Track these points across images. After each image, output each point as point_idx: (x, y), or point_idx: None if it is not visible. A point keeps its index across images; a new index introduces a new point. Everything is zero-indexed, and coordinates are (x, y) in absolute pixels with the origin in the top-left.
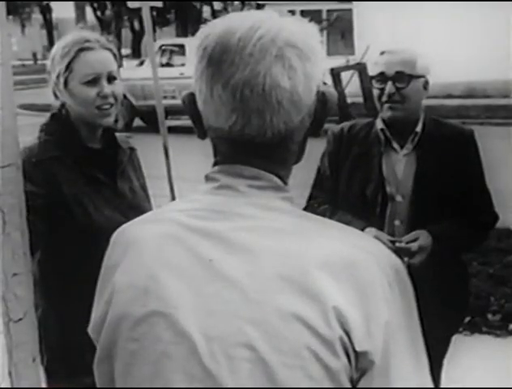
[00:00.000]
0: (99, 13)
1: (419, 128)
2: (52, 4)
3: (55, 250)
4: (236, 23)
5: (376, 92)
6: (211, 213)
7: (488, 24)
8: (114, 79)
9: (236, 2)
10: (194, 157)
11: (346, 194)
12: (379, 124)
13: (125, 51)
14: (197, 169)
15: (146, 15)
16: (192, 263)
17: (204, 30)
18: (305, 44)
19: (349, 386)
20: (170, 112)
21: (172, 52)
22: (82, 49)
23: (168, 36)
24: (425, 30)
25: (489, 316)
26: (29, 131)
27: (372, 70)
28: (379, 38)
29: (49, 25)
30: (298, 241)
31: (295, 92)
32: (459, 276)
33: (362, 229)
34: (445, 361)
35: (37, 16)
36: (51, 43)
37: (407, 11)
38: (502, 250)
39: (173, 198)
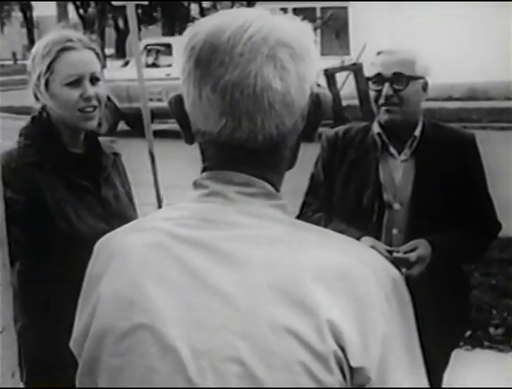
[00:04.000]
0: (81, 11)
1: (417, 132)
2: (32, 2)
3: (35, 261)
4: (226, 21)
5: (372, 94)
6: (200, 221)
7: (491, 23)
8: (97, 80)
9: None
10: (181, 163)
11: (341, 202)
12: (376, 128)
13: (109, 51)
14: (184, 176)
15: (131, 13)
16: (179, 274)
17: (192, 29)
18: (297, 44)
19: None
20: (156, 115)
21: (158, 52)
22: (64, 49)
23: (154, 35)
24: (425, 29)
25: (491, 330)
26: (8, 135)
27: (368, 71)
28: (376, 37)
29: (29, 24)
30: (291, 250)
31: (287, 94)
32: (460, 288)
33: (358, 239)
34: (445, 377)
35: (17, 14)
36: (31, 42)
37: (405, 10)
38: (505, 260)
39: (160, 206)
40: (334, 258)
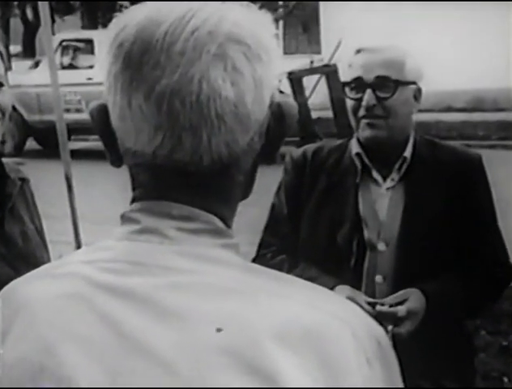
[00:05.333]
0: None
1: (408, 152)
2: None
3: None
4: (162, 11)
5: (350, 104)
6: (129, 265)
7: (499, 20)
8: (0, 85)
9: None
10: (105, 191)
11: (310, 241)
12: (354, 147)
13: (15, 48)
14: (110, 207)
15: (42, 1)
16: (103, 332)
17: (119, 20)
18: (253, 40)
19: None
20: (74, 130)
21: (76, 49)
22: None
23: (71, 29)
24: (418, 23)
25: None
26: None
27: (345, 75)
28: (354, 32)
29: None
30: (245, 303)
31: (241, 104)
32: (462, 350)
33: (332, 288)
34: None
35: None
36: None
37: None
38: None
39: (78, 246)
40: (300, 312)
